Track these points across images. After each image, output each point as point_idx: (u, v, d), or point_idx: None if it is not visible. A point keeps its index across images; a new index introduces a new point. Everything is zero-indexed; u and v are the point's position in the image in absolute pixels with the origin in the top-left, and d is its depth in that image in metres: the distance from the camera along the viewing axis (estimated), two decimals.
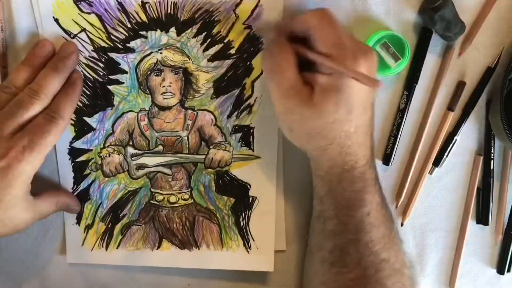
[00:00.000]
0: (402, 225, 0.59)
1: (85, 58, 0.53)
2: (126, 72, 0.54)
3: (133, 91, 0.54)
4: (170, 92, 0.54)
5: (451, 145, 0.58)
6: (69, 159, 0.55)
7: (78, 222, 0.57)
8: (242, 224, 0.57)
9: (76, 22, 0.52)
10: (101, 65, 0.53)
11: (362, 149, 0.48)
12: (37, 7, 0.51)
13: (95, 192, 0.56)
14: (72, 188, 0.56)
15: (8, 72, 0.53)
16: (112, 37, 0.53)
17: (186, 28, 0.53)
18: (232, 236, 0.57)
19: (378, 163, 0.57)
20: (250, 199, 0.57)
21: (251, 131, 0.56)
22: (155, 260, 0.57)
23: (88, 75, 0.53)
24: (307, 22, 0.46)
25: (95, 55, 0.53)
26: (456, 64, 0.56)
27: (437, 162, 0.58)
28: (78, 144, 0.55)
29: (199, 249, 0.57)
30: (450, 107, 0.57)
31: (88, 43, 0.53)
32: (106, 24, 0.52)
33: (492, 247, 0.61)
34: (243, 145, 0.56)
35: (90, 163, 0.56)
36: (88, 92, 0.54)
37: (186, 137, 0.56)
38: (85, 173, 0.56)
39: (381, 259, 0.48)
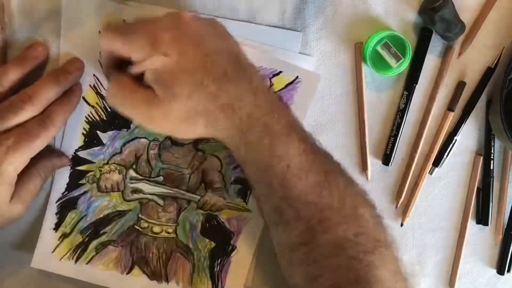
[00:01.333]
0: (402, 225, 0.59)
1: None
2: None
3: None
4: None
5: (451, 145, 0.58)
6: (70, 165, 0.55)
7: (56, 228, 0.56)
8: (215, 269, 0.57)
9: None
10: None
11: (248, 100, 0.44)
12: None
13: (84, 203, 0.56)
14: (62, 193, 0.55)
15: None
16: None
17: None
18: (202, 279, 0.57)
19: (378, 163, 0.58)
20: (230, 247, 0.57)
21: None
22: (122, 284, 0.56)
23: None
24: (104, 46, 0.46)
25: None
26: (456, 64, 0.56)
27: (437, 162, 0.58)
28: (83, 154, 0.55)
29: (168, 283, 0.57)
30: (450, 107, 0.57)
31: None
32: None
33: (492, 247, 0.61)
34: (238, 196, 0.56)
35: (88, 174, 0.55)
36: (108, 109, 0.54)
37: (188, 175, 0.56)
38: (80, 182, 0.56)
39: (321, 207, 0.45)
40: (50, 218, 0.55)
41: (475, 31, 0.55)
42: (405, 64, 0.53)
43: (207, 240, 0.57)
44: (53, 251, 0.56)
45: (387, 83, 0.56)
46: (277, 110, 0.46)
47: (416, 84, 0.56)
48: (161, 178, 0.56)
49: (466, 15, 0.55)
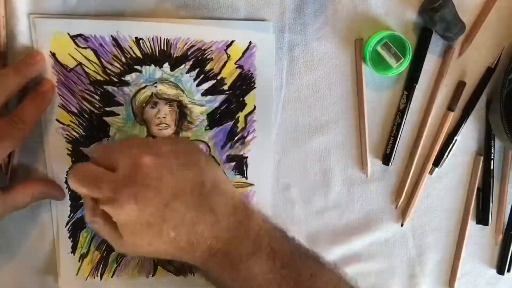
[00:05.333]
0: (402, 225, 0.59)
1: (81, 90, 0.53)
2: (121, 104, 0.54)
3: (128, 122, 0.54)
4: (165, 123, 0.55)
5: (451, 145, 0.58)
6: (66, 188, 0.55)
7: (73, 251, 0.56)
8: None
9: (72, 57, 0.52)
10: (97, 97, 0.53)
11: (207, 234, 0.45)
12: (36, 45, 0.51)
13: None
14: (68, 216, 0.55)
15: None
16: (108, 71, 0.53)
17: (179, 64, 0.53)
18: None
19: (378, 163, 0.58)
20: None
21: (245, 160, 0.56)
22: (150, 287, 0.57)
23: (84, 107, 0.53)
24: (72, 188, 0.46)
25: (91, 88, 0.53)
26: (456, 64, 0.56)
27: (437, 162, 0.58)
28: None
29: (194, 275, 0.57)
30: (450, 107, 0.57)
31: (84, 77, 0.53)
32: (102, 59, 0.52)
33: (492, 247, 0.61)
34: (236, 173, 0.56)
35: None
36: (84, 124, 0.54)
37: None
38: (81, 201, 0.55)
39: None
40: (65, 243, 0.56)
41: (475, 31, 0.55)
42: (405, 64, 0.53)
43: None
44: (77, 274, 0.56)
45: (387, 83, 0.56)
46: (241, 231, 0.46)
47: (416, 84, 0.56)
48: None
49: (466, 15, 0.55)
